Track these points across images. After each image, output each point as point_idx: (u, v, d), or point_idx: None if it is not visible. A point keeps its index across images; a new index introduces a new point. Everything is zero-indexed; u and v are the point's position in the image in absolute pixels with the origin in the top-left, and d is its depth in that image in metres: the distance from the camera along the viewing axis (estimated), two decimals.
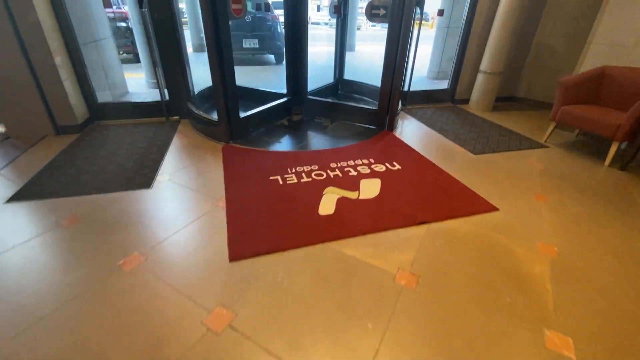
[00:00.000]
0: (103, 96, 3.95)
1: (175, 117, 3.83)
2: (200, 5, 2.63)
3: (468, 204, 2.30)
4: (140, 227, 1.98)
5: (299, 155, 2.98)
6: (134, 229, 1.97)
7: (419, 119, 4.11)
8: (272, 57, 8.43)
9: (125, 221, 2.03)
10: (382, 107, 3.59)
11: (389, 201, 2.29)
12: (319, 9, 20.72)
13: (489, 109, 4.51)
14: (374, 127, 3.72)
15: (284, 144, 3.26)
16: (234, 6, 2.78)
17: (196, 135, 3.38)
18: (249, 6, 8.22)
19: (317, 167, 2.74)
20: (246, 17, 7.46)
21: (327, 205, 2.22)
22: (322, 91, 4.69)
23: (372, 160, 2.89)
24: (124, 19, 7.12)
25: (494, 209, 2.27)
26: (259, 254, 1.76)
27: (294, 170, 2.68)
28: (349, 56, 5.07)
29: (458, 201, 2.33)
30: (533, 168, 2.90)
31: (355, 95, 4.95)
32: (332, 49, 4.80)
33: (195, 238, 1.89)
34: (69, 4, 3.27)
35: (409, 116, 4.21)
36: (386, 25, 3.28)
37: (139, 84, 5.16)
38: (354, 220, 2.07)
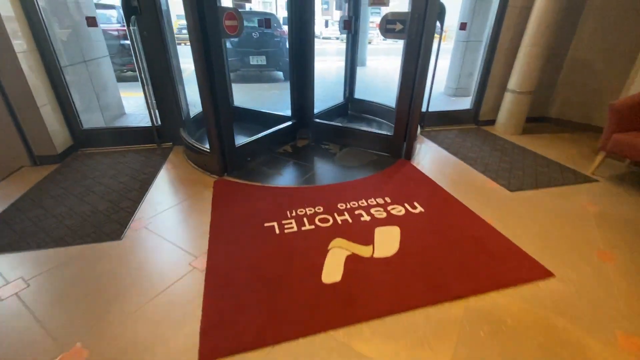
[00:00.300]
0: (93, 119, 3.63)
1: (167, 144, 3.46)
2: (187, 22, 2.27)
3: (514, 266, 1.80)
4: (90, 303, 1.55)
5: (302, 192, 2.54)
6: (82, 305, 1.54)
7: (440, 144, 3.63)
8: (280, 73, 8.16)
9: (75, 293, 1.61)
10: (399, 133, 3.14)
11: (411, 261, 1.81)
12: (326, 24, 20.48)
13: (518, 131, 4.01)
14: (388, 155, 3.27)
15: (285, 177, 2.83)
16: (227, 23, 2.42)
17: (188, 166, 3.00)
18: (255, 22, 8.04)
19: (322, 209, 2.29)
20: (253, 34, 7.22)
21: (334, 267, 1.76)
22: (331, 112, 4.29)
23: (388, 200, 2.43)
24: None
25: (548, 274, 1.76)
26: (239, 351, 1.30)
27: (294, 214, 2.24)
28: (359, 71, 4.69)
29: (500, 262, 1.83)
30: (586, 211, 2.38)
31: (367, 116, 4.53)
32: (343, 64, 4.41)
33: (158, 323, 1.45)
34: (53, 24, 2.99)
35: (427, 140, 3.75)
36: (402, 40, 2.87)
37: (139, 104, 4.88)
38: (368, 292, 1.59)
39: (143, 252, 1.89)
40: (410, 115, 3.01)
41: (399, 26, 2.77)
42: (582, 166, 3.11)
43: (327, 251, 1.88)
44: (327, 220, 2.17)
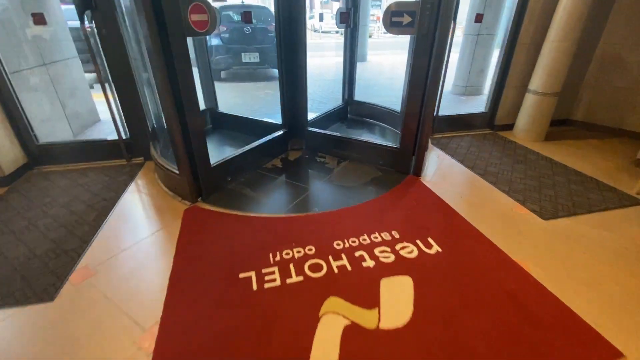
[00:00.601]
0: (57, 131, 3.18)
1: (138, 159, 3.00)
2: (138, 18, 1.80)
3: (569, 341, 1.35)
4: None
5: (290, 224, 2.09)
6: None
7: (453, 154, 3.16)
8: (276, 71, 7.65)
9: None
10: (406, 145, 2.67)
11: (430, 335, 1.36)
12: (321, 17, 19.31)
13: (540, 138, 3.53)
14: (394, 171, 2.81)
15: (272, 202, 2.38)
16: (195, 17, 1.94)
17: (158, 189, 2.54)
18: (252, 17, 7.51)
19: (313, 250, 1.84)
20: (245, 29, 6.71)
21: (326, 345, 1.31)
22: (328, 118, 3.82)
23: (396, 235, 1.97)
24: None
25: (616, 354, 1.31)
26: None
27: (278, 258, 1.78)
28: (360, 67, 4.21)
29: (550, 334, 1.37)
30: None
31: (369, 120, 4.05)
32: (342, 59, 3.93)
33: None
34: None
35: (438, 149, 3.28)
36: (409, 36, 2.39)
37: None
38: None
39: (76, 321, 1.45)
40: (420, 125, 2.53)
41: (407, 19, 2.29)
42: (623, 183, 2.63)
43: (318, 319, 1.43)
44: (320, 268, 1.72)
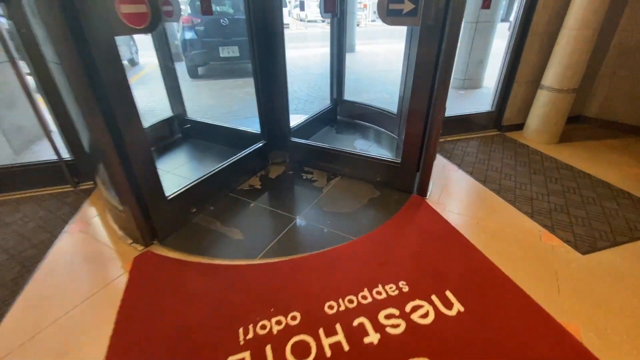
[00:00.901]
0: None
1: (88, 184, 2.49)
2: (39, 12, 1.29)
3: None
4: None
5: (268, 276, 1.63)
6: None
7: (460, 163, 2.74)
8: None
9: None
10: (409, 160, 2.23)
11: None
12: (302, 6, 17.63)
13: (554, 139, 3.13)
14: (394, 188, 2.37)
15: (245, 241, 1.91)
16: (126, 9, 1.43)
17: (106, 225, 2.05)
18: (227, 6, 6.88)
19: (298, 319, 1.39)
20: (221, 20, 6.10)
21: None
22: (315, 122, 3.34)
23: (404, 288, 1.54)
24: None
25: None
26: None
27: (250, 335, 1.33)
28: (349, 59, 3.72)
29: None
30: None
31: (361, 123, 3.60)
32: (329, 49, 3.43)
33: None
34: None
35: (441, 157, 2.85)
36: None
37: None
38: None
39: None
40: (426, 137, 2.09)
41: (408, 5, 1.81)
42: None
43: None
44: (307, 350, 1.27)
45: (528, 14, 2.88)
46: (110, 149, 1.55)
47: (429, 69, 1.90)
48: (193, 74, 6.58)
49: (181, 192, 1.97)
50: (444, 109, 1.96)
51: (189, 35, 6.19)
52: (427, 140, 2.08)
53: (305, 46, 10.31)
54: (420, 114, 2.04)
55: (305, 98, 4.87)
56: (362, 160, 2.45)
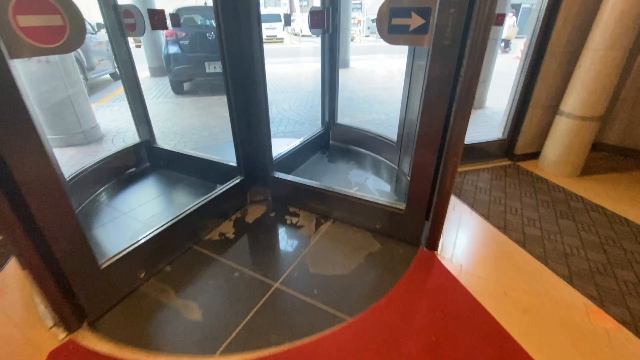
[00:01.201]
0: None
1: None
2: None
3: None
4: None
5: None
6: None
7: (473, 204, 2.33)
8: None
9: None
10: (416, 206, 1.81)
11: None
12: (288, 22, 14.46)
13: (576, 172, 2.75)
14: (397, 239, 1.94)
15: (201, 322, 1.45)
16: (25, 22, 1.01)
17: (27, 295, 1.58)
18: (199, 21, 6.56)
19: None
20: (208, 35, 5.75)
21: None
22: (302, 151, 2.93)
23: None
24: None
25: None
26: None
27: None
28: (342, 75, 3.37)
29: None
30: None
31: (357, 149, 3.20)
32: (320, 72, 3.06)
33: None
34: None
35: (452, 196, 2.43)
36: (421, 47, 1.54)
37: None
38: None
39: None
40: (438, 181, 1.68)
41: (416, 20, 1.42)
42: None
43: None
44: None
45: (546, 31, 2.54)
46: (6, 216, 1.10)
47: (443, 95, 1.50)
48: (177, 90, 6.19)
49: (125, 255, 1.52)
50: (462, 148, 1.56)
51: (173, 49, 5.83)
52: (439, 182, 1.67)
53: (298, 61, 10.04)
54: (431, 151, 1.63)
55: (295, 119, 4.48)
56: (358, 204, 2.02)
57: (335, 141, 3.37)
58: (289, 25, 16.67)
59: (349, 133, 3.26)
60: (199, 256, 1.83)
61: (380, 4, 1.47)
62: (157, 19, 2.05)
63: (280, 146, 3.55)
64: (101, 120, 4.34)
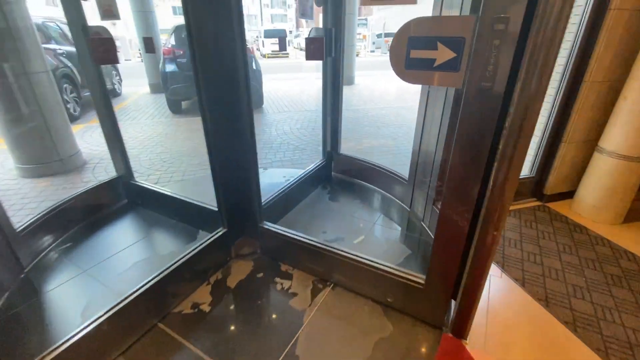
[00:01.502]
0: None
1: None
2: None
3: None
4: None
5: None
6: None
7: (503, 262, 1.93)
8: None
9: None
10: (440, 279, 1.42)
11: None
12: (282, 46, 13.60)
13: (619, 218, 2.35)
14: (414, 318, 1.54)
15: None
16: None
17: None
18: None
19: None
20: None
21: None
22: (301, 187, 2.57)
23: None
24: None
25: None
26: None
27: None
28: (347, 92, 3.03)
29: None
30: None
31: (363, 184, 2.84)
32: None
33: None
34: None
35: None
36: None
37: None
38: None
39: None
40: (471, 255, 1.29)
41: (444, 54, 1.07)
42: None
43: None
44: None
45: (583, 57, 2.19)
46: None
47: (477, 155, 1.13)
48: (175, 109, 5.93)
49: (63, 351, 1.14)
50: (506, 215, 1.18)
51: (170, 67, 5.60)
52: (474, 249, 1.28)
53: (302, 77, 9.80)
54: (461, 218, 1.25)
55: (295, 143, 4.14)
56: (364, 270, 1.64)
57: (337, 173, 3.01)
58: (284, 50, 17.06)
59: (353, 164, 2.91)
60: (164, 339, 1.45)
61: (399, 29, 1.12)
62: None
63: (277, 177, 3.21)
64: (87, 145, 4.04)
